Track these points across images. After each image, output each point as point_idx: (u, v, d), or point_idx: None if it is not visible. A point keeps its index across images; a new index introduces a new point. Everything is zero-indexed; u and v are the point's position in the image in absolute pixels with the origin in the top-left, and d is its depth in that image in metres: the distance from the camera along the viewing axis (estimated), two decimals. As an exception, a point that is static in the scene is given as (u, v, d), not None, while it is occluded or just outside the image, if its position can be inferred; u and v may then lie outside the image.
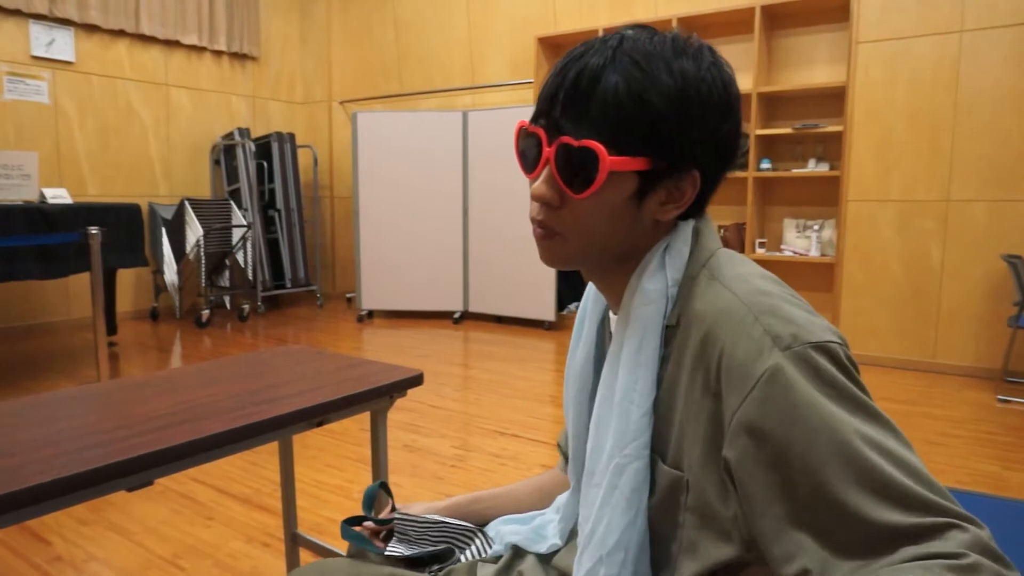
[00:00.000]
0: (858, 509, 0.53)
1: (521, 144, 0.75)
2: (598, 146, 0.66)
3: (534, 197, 0.72)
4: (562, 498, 0.93)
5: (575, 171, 0.68)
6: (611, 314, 0.83)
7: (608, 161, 0.66)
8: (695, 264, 0.72)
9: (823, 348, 0.60)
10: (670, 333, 0.71)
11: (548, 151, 0.70)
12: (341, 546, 1.96)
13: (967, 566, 0.48)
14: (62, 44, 5.17)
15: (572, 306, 5.40)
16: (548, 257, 0.76)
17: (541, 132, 0.71)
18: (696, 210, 0.74)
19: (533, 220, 0.74)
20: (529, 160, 0.74)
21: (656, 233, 0.74)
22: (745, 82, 4.61)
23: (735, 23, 4.60)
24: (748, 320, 0.63)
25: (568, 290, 5.40)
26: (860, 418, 0.57)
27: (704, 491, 0.66)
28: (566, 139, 0.68)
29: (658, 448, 0.71)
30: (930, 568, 0.48)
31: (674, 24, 4.63)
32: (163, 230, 5.51)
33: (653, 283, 0.72)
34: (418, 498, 2.33)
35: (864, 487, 0.53)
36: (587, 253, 0.74)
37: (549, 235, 0.73)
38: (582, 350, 0.85)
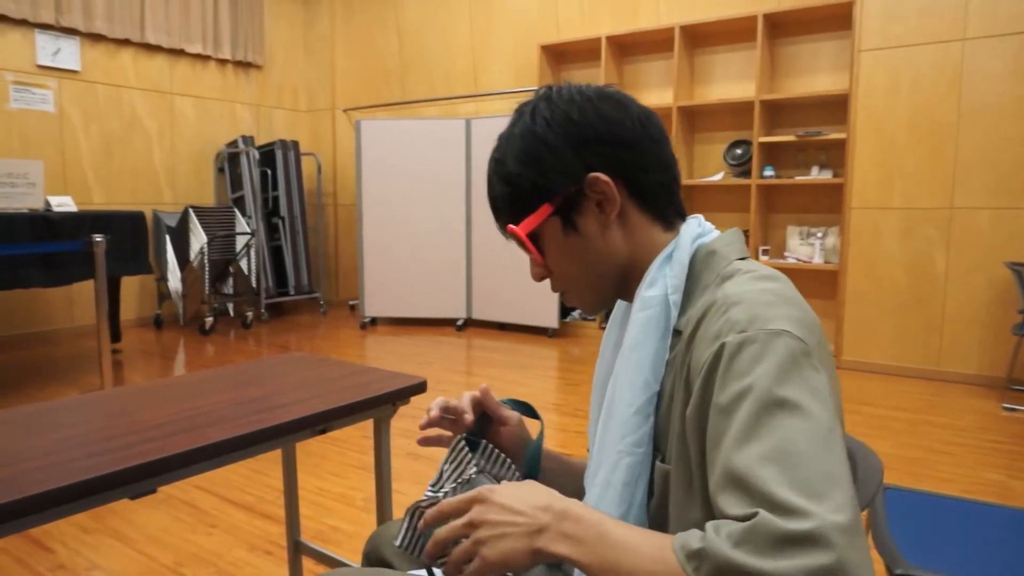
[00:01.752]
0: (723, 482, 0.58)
1: None
2: (510, 227, 0.82)
3: (532, 277, 0.88)
4: None
5: (521, 246, 0.83)
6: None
7: (519, 229, 0.81)
8: (711, 274, 0.75)
9: (774, 333, 0.62)
10: (676, 339, 0.74)
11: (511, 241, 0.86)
12: (344, 554, 1.95)
13: (696, 550, 0.54)
14: (68, 53, 5.20)
15: (575, 314, 5.39)
16: (581, 309, 0.89)
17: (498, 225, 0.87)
18: (664, 199, 0.81)
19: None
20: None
21: (636, 241, 0.81)
22: (748, 90, 4.62)
23: (738, 31, 4.61)
24: (719, 313, 0.67)
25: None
26: (767, 407, 0.58)
27: (680, 487, 0.70)
28: (503, 232, 0.86)
29: (659, 447, 0.75)
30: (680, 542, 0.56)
31: (676, 33, 4.64)
32: (167, 238, 5.52)
33: (651, 291, 0.77)
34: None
35: (734, 467, 0.57)
36: (597, 289, 0.85)
37: (564, 296, 0.87)
38: (609, 354, 0.90)
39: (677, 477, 0.70)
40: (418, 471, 2.64)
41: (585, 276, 0.83)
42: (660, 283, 0.77)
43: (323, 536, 2.12)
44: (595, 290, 0.84)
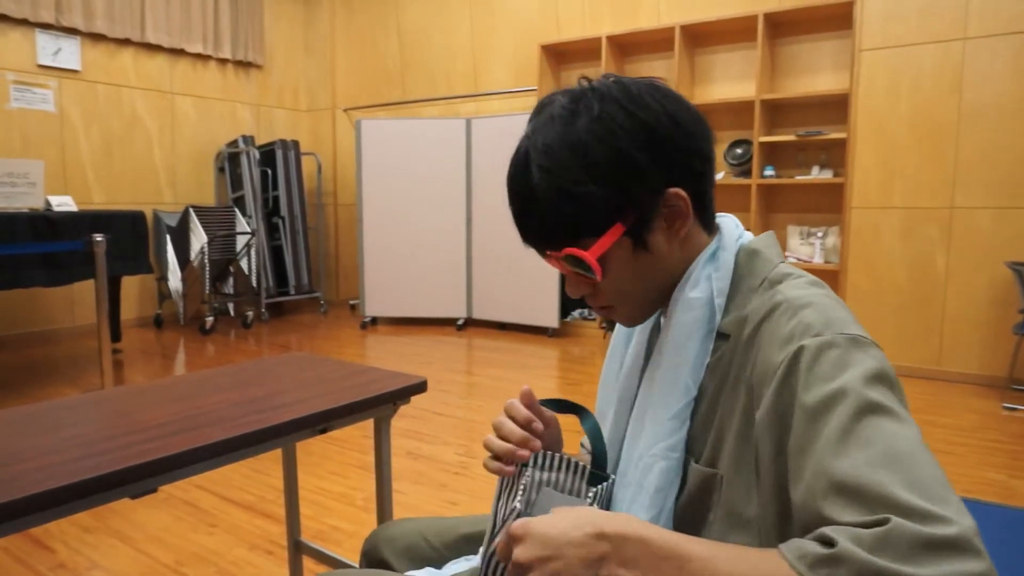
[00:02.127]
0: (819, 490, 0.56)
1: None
2: (576, 251, 0.72)
3: (567, 291, 0.79)
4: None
5: (577, 268, 0.75)
6: (663, 319, 0.85)
7: (588, 255, 0.72)
8: (755, 277, 0.74)
9: (854, 340, 0.62)
10: (721, 341, 0.73)
11: (548, 261, 0.77)
12: (344, 554, 1.95)
13: (826, 556, 0.51)
14: (68, 53, 5.20)
15: (576, 313, 5.39)
16: (622, 323, 0.82)
17: (531, 245, 0.77)
18: (712, 205, 0.78)
19: (588, 304, 0.80)
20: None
21: (690, 247, 0.76)
22: (748, 89, 4.62)
23: (738, 31, 4.61)
24: (787, 315, 0.66)
25: (572, 299, 5.39)
26: (864, 410, 0.57)
27: (734, 487, 0.68)
28: (551, 252, 0.75)
29: (692, 450, 0.73)
30: (794, 549, 0.53)
31: (677, 33, 4.64)
32: (167, 237, 5.52)
33: (696, 292, 0.74)
34: (421, 505, 2.33)
35: (838, 477, 0.55)
36: (647, 303, 0.80)
37: (606, 311, 0.80)
38: (631, 355, 0.87)
39: (732, 479, 0.68)
40: (418, 471, 2.64)
41: (642, 292, 0.78)
42: (704, 284, 0.74)
43: (323, 536, 2.12)
44: (645, 304, 0.80)
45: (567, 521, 0.59)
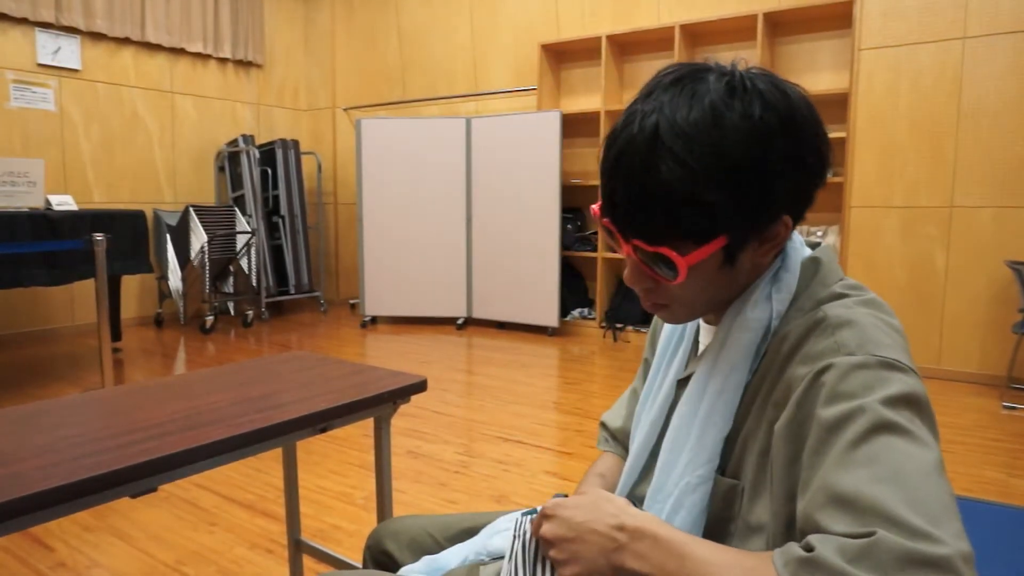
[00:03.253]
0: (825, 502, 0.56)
1: (601, 227, 0.74)
2: (671, 253, 0.66)
3: (626, 281, 0.74)
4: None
5: (656, 266, 0.69)
6: (702, 323, 0.83)
7: (683, 261, 0.66)
8: (809, 300, 0.71)
9: (887, 363, 0.60)
10: (759, 358, 0.72)
11: (626, 247, 0.70)
12: (344, 553, 1.96)
13: (804, 559, 0.52)
14: (68, 52, 5.20)
15: (575, 312, 5.39)
16: (665, 320, 0.79)
17: (613, 228, 0.70)
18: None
19: (639, 294, 0.76)
20: (613, 244, 0.74)
21: (763, 265, 0.73)
22: (748, 89, 4.61)
23: (738, 30, 4.61)
24: (825, 334, 0.65)
25: (571, 296, 5.40)
26: (877, 428, 0.56)
27: (755, 499, 0.68)
28: (638, 243, 0.68)
29: (723, 462, 0.73)
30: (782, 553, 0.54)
31: (676, 32, 4.64)
32: (168, 237, 5.53)
33: (757, 312, 0.72)
34: (422, 503, 2.33)
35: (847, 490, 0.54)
36: (700, 312, 0.77)
37: (657, 308, 0.76)
38: (680, 359, 0.85)
39: (753, 490, 0.69)
40: (418, 470, 2.65)
41: (705, 301, 0.74)
42: (764, 305, 0.71)
43: (323, 534, 2.13)
44: (700, 311, 0.76)
45: (595, 510, 0.64)
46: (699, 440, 0.73)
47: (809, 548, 0.52)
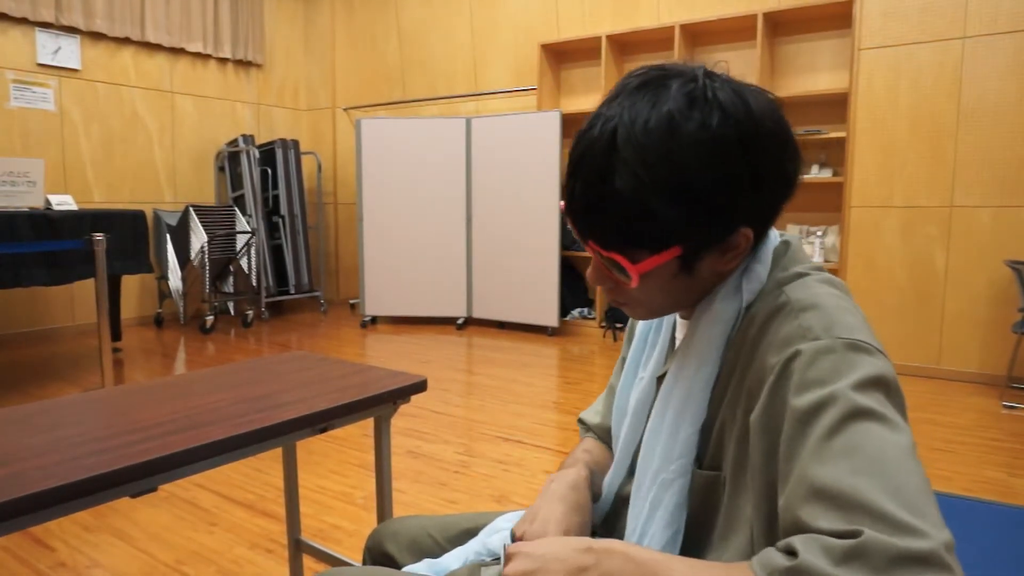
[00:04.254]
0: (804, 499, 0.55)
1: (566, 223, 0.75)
2: (622, 260, 0.67)
3: (587, 279, 0.76)
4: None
5: (612, 268, 0.70)
6: (678, 318, 0.83)
7: (635, 269, 0.67)
8: (771, 282, 0.71)
9: (854, 345, 0.60)
10: (728, 346, 0.71)
11: (586, 247, 0.71)
12: (344, 552, 1.96)
13: (787, 568, 0.51)
14: (68, 52, 5.20)
15: (575, 312, 5.39)
16: (633, 317, 0.80)
17: (574, 228, 0.71)
18: (766, 236, 0.73)
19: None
20: (579, 241, 0.74)
21: (722, 274, 0.72)
22: (748, 88, 4.61)
23: (737, 30, 4.61)
24: (789, 318, 0.65)
25: (571, 296, 5.40)
26: (852, 416, 0.56)
27: (736, 489, 0.68)
28: (594, 245, 0.69)
29: (700, 455, 0.73)
30: (763, 557, 0.53)
31: (676, 32, 4.64)
32: (168, 236, 5.53)
33: (726, 304, 0.71)
34: (422, 503, 2.33)
35: (827, 483, 0.54)
36: (661, 312, 0.77)
37: (620, 304, 0.76)
38: (657, 354, 0.85)
39: (734, 481, 0.68)
40: (418, 470, 2.65)
41: (666, 305, 0.74)
42: (734, 296, 0.71)
43: (323, 534, 2.13)
44: (663, 312, 0.77)
45: (560, 541, 0.63)
46: (671, 435, 0.73)
47: (791, 550, 0.52)
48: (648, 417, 0.82)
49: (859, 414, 0.56)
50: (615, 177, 0.63)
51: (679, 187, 0.63)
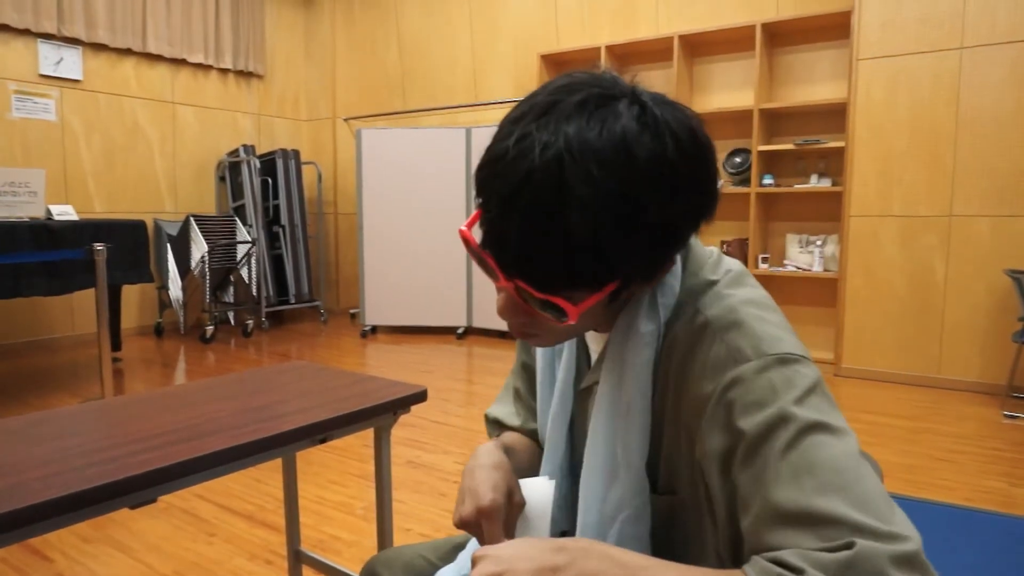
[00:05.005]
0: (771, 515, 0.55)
1: (470, 252, 0.67)
2: (561, 301, 0.61)
3: (498, 311, 0.67)
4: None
5: (540, 307, 0.63)
6: (590, 336, 0.81)
7: (575, 309, 0.62)
8: (683, 292, 0.70)
9: (783, 360, 0.61)
10: (655, 369, 0.70)
11: (506, 284, 0.63)
12: (344, 563, 1.95)
13: None
14: (70, 63, 5.22)
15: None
16: (537, 346, 0.74)
17: (492, 263, 0.63)
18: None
19: (508, 323, 0.69)
20: (486, 272, 0.67)
21: (637, 298, 0.70)
22: (747, 98, 4.63)
23: (736, 40, 4.63)
24: (715, 340, 0.64)
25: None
26: (802, 432, 0.57)
27: (694, 509, 0.68)
28: (524, 287, 0.62)
29: (648, 478, 0.72)
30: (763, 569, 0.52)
31: (675, 42, 4.66)
32: (168, 246, 5.53)
33: (647, 325, 0.69)
34: (422, 514, 2.32)
35: (790, 494, 0.54)
36: (574, 337, 0.76)
37: (526, 336, 0.70)
38: (565, 366, 0.83)
39: (691, 501, 0.68)
40: (418, 480, 2.64)
41: (580, 331, 0.72)
42: (654, 315, 0.69)
43: (323, 545, 2.12)
44: (571, 338, 0.75)
45: (528, 542, 0.59)
46: (627, 471, 0.71)
47: (789, 566, 0.51)
48: (567, 427, 0.82)
49: (808, 429, 0.56)
50: (569, 216, 0.56)
51: (634, 222, 0.58)
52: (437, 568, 0.98)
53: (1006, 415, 3.44)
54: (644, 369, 0.69)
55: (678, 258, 0.71)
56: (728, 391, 0.61)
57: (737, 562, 0.60)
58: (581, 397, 0.82)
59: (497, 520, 0.72)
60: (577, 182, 0.56)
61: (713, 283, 0.69)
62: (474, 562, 0.60)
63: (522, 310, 0.66)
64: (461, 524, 0.75)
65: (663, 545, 0.73)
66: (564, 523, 0.85)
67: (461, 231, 0.66)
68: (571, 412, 0.83)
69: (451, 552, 0.99)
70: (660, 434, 0.71)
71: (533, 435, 0.96)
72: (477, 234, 0.66)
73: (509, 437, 0.94)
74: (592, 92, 0.60)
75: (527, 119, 0.59)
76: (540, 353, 0.88)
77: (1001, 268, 3.76)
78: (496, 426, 1.02)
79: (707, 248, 0.74)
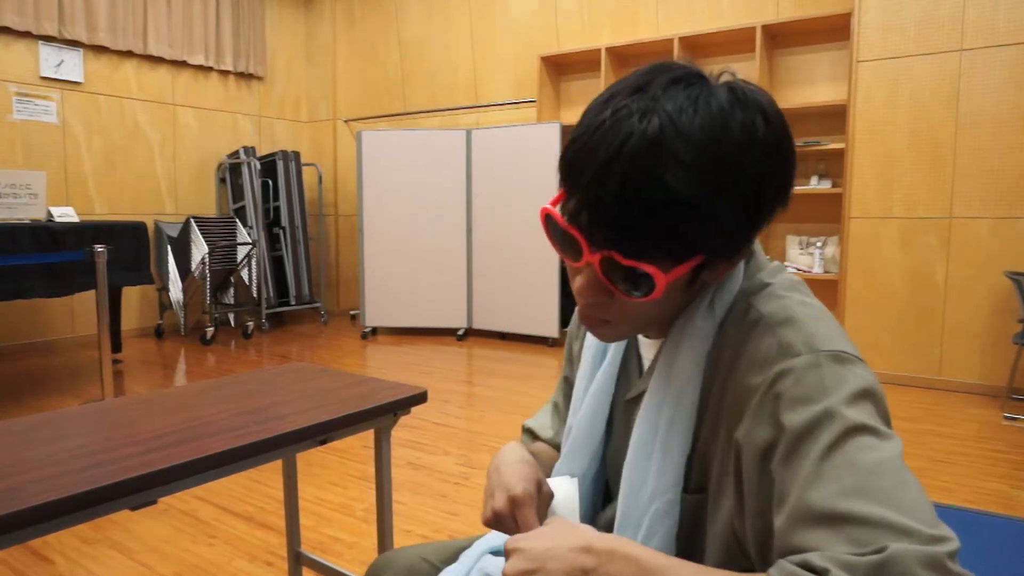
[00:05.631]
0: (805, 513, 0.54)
1: (553, 232, 0.68)
2: (651, 268, 0.61)
3: (576, 292, 0.68)
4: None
5: (625, 282, 0.64)
6: (641, 336, 0.81)
7: (664, 278, 0.62)
8: (740, 293, 0.70)
9: (837, 357, 0.60)
10: (705, 366, 0.70)
11: (591, 257, 0.64)
12: (344, 565, 1.95)
13: None
14: (71, 65, 5.23)
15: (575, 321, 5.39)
16: (600, 339, 0.73)
17: (579, 236, 0.64)
18: None
19: (579, 304, 0.69)
20: (567, 252, 0.68)
21: (706, 286, 0.71)
22: (747, 100, 4.64)
23: (737, 42, 4.64)
24: (766, 334, 0.64)
25: (571, 306, 5.40)
26: (848, 433, 0.56)
27: (716, 508, 0.67)
28: (613, 255, 0.62)
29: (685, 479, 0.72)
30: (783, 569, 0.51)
31: (675, 44, 4.67)
32: (168, 248, 5.54)
33: (703, 322, 0.70)
34: (422, 515, 2.32)
35: (825, 497, 0.53)
36: (641, 330, 0.74)
37: (599, 324, 0.70)
38: (605, 374, 0.83)
39: (720, 501, 0.68)
40: (419, 481, 2.64)
41: (654, 318, 0.70)
42: (710, 313, 0.70)
43: (323, 546, 2.12)
44: (643, 329, 0.74)
45: (557, 537, 0.60)
46: (663, 465, 0.71)
47: (811, 567, 0.50)
48: (606, 442, 0.82)
49: (854, 430, 0.55)
50: (665, 176, 0.58)
51: (731, 185, 0.60)
52: (439, 570, 0.98)
53: (1006, 417, 3.44)
54: (696, 362, 0.70)
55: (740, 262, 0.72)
56: (776, 384, 0.60)
57: (765, 558, 0.59)
58: (628, 407, 0.81)
59: (530, 507, 0.74)
60: (676, 142, 0.58)
61: (769, 285, 0.69)
62: (507, 554, 0.61)
63: (603, 289, 0.66)
64: (494, 517, 0.76)
65: (686, 544, 0.72)
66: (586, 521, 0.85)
67: (544, 209, 0.67)
68: (607, 420, 0.83)
69: (453, 554, 0.99)
70: (699, 429, 0.70)
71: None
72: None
73: (536, 446, 0.98)
74: (684, 71, 0.63)
75: (620, 97, 0.62)
76: (584, 367, 0.88)
77: (1001, 270, 3.76)
78: (530, 436, 1.05)
79: (767, 257, 0.75)
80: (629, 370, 0.83)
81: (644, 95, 0.61)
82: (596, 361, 0.86)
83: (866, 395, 0.58)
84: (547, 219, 0.68)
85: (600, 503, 0.89)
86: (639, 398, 0.77)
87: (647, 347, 0.80)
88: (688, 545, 0.72)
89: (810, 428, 0.56)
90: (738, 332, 0.67)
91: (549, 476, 0.90)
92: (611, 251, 0.62)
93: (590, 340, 0.88)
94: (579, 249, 0.64)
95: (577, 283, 0.67)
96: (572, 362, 0.96)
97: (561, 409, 0.99)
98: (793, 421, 0.57)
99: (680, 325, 0.71)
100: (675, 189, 0.58)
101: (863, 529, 0.50)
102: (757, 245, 0.73)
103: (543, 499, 0.78)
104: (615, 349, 0.84)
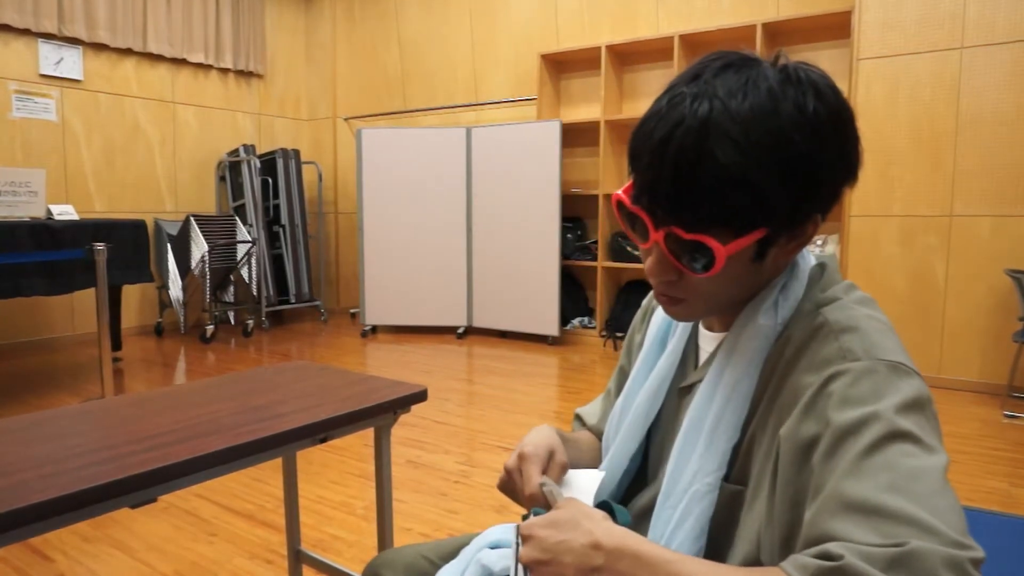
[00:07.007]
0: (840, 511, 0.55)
1: (623, 215, 0.72)
2: (711, 241, 0.64)
3: (648, 273, 0.71)
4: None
5: (689, 256, 0.67)
6: (703, 329, 0.83)
7: (723, 251, 0.65)
8: (808, 301, 0.72)
9: (895, 367, 0.61)
10: (764, 363, 0.72)
11: (656, 235, 0.68)
12: (345, 563, 1.95)
13: (829, 569, 0.50)
14: (70, 63, 5.22)
15: (575, 321, 5.39)
16: (675, 317, 0.77)
17: (644, 215, 0.68)
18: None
19: (653, 284, 0.73)
20: (637, 233, 0.72)
21: (780, 268, 0.73)
22: (747, 98, 4.63)
23: (737, 40, 4.63)
24: (829, 338, 0.65)
25: (571, 305, 5.40)
26: (892, 436, 0.56)
27: (753, 504, 0.68)
28: (675, 230, 0.66)
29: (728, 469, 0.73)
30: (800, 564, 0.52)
31: (676, 42, 4.66)
32: (168, 246, 5.53)
33: (766, 319, 0.72)
34: (422, 513, 2.32)
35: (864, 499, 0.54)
36: (715, 310, 0.76)
37: (673, 302, 0.73)
38: (666, 363, 0.85)
39: (757, 496, 0.68)
40: (418, 479, 2.64)
41: (726, 298, 0.73)
42: (771, 312, 0.72)
43: (323, 545, 2.12)
44: (716, 309, 0.75)
45: (569, 528, 0.62)
46: (708, 448, 0.73)
47: (828, 556, 0.51)
48: (651, 428, 0.83)
49: (899, 436, 0.56)
50: (716, 152, 0.61)
51: (781, 160, 0.62)
52: (439, 568, 0.98)
53: (1006, 415, 3.44)
54: (754, 357, 0.71)
55: (805, 267, 0.74)
56: (830, 383, 0.61)
57: (786, 552, 0.60)
58: (680, 395, 0.84)
59: (535, 464, 0.80)
60: (726, 121, 0.61)
61: (839, 299, 0.71)
62: (524, 539, 0.64)
63: (671, 267, 0.69)
64: (504, 476, 0.83)
65: (717, 535, 0.73)
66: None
67: (615, 195, 0.72)
68: (659, 410, 0.85)
69: (453, 552, 0.99)
70: (748, 425, 0.72)
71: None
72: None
73: (577, 432, 1.02)
74: (738, 57, 0.66)
75: (678, 85, 0.66)
76: (642, 355, 0.90)
77: (1002, 268, 3.76)
78: (579, 422, 1.07)
79: (840, 275, 0.76)
80: (687, 360, 0.85)
81: (698, 81, 0.64)
82: (656, 350, 0.89)
83: (918, 406, 0.59)
84: (618, 205, 0.72)
85: (635, 487, 0.90)
86: (692, 387, 0.80)
87: (707, 340, 0.82)
88: (719, 536, 0.73)
89: (856, 427, 0.57)
90: (802, 334, 0.68)
91: (591, 462, 0.94)
92: (672, 227, 0.66)
93: (652, 330, 0.90)
94: (646, 229, 0.68)
95: (648, 263, 0.71)
96: (631, 353, 0.98)
97: (613, 396, 1.01)
98: (840, 419, 0.58)
99: (742, 321, 0.74)
100: (725, 164, 0.61)
101: (890, 523, 0.51)
102: (832, 261, 0.76)
103: (555, 466, 0.82)
104: (676, 340, 0.86)
